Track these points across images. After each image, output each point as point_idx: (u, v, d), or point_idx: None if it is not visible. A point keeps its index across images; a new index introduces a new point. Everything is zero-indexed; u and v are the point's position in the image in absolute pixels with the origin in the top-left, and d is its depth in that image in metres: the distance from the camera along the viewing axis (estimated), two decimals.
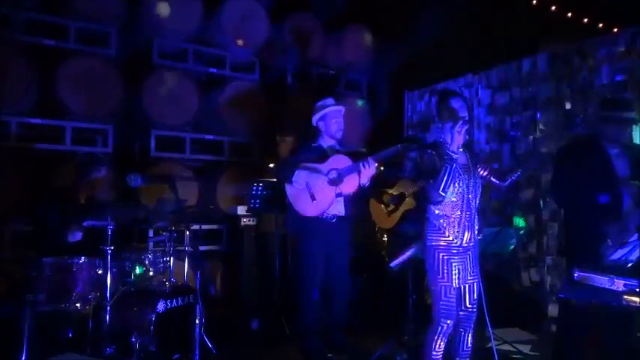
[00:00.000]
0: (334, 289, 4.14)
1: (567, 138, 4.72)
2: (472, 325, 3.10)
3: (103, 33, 5.28)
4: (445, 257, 2.98)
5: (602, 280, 2.86)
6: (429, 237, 3.04)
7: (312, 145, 4.18)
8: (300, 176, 3.94)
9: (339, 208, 4.08)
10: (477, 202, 3.07)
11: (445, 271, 2.97)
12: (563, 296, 3.14)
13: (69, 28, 5.10)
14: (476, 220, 3.05)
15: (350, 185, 4.03)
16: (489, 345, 4.31)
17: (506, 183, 3.17)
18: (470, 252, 3.04)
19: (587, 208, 3.38)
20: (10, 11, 4.82)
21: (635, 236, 2.97)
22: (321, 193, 3.97)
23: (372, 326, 4.85)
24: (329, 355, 4.07)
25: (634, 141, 3.55)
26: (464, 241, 3.00)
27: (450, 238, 2.98)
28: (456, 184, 2.97)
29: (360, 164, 3.91)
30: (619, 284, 2.77)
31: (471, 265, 3.04)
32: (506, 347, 4.22)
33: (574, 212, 3.52)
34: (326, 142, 4.18)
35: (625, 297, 2.70)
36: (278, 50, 6.33)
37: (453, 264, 2.97)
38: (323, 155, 4.09)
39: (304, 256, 4.05)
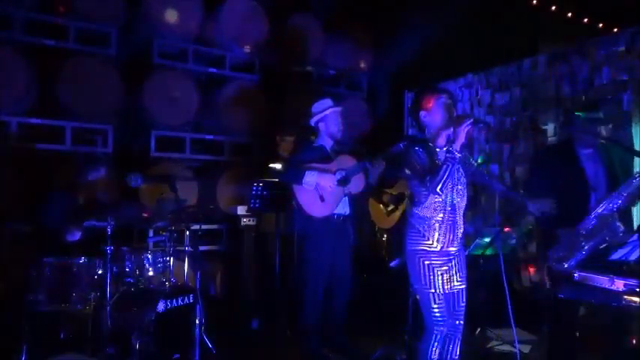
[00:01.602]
0: (337, 288, 4.15)
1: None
2: (459, 334, 2.96)
3: (103, 33, 5.27)
4: (427, 263, 2.86)
5: (602, 280, 2.86)
6: (409, 241, 2.92)
7: (314, 145, 4.19)
8: (311, 177, 3.95)
9: (345, 208, 4.11)
10: (464, 203, 2.95)
11: (430, 277, 2.84)
12: (563, 296, 3.13)
13: (69, 28, 5.10)
14: (461, 222, 2.94)
15: (357, 185, 4.06)
16: (489, 345, 4.33)
17: (501, 188, 3.13)
18: (454, 257, 2.92)
19: (558, 211, 3.38)
20: (10, 11, 4.82)
21: (635, 236, 2.97)
22: (329, 194, 3.99)
23: (372, 326, 4.84)
24: (329, 355, 4.07)
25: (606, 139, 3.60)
26: (445, 245, 2.87)
27: (429, 242, 2.86)
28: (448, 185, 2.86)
29: (367, 163, 3.95)
30: (619, 284, 2.77)
31: (457, 269, 2.92)
32: (506, 347, 4.22)
33: (543, 219, 3.54)
34: (326, 142, 4.19)
35: (625, 297, 2.71)
36: (278, 50, 6.32)
37: (436, 270, 2.85)
38: (327, 155, 4.11)
39: (312, 257, 4.05)
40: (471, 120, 2.81)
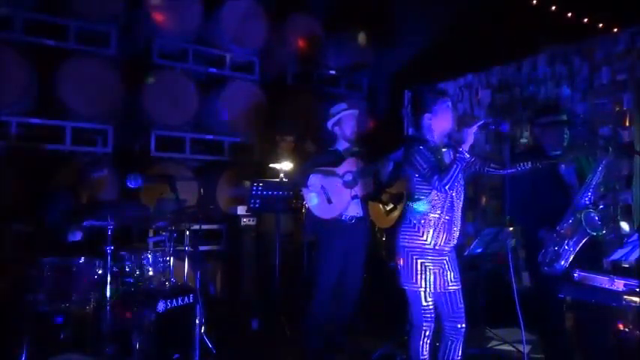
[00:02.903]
0: (346, 289, 4.15)
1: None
2: (460, 337, 2.95)
3: (103, 33, 5.28)
4: (419, 260, 2.86)
5: (602, 280, 2.87)
6: (403, 237, 2.93)
7: (330, 149, 4.24)
8: (314, 180, 3.99)
9: (357, 210, 4.13)
10: (461, 203, 2.96)
11: (420, 275, 2.85)
12: (564, 296, 3.14)
13: (69, 28, 5.10)
14: (458, 223, 2.94)
15: (365, 187, 4.09)
16: (489, 345, 4.33)
17: (510, 170, 3.04)
18: (447, 256, 2.93)
19: (540, 214, 3.41)
20: (10, 11, 4.82)
21: (635, 236, 2.98)
22: (337, 196, 4.02)
23: (372, 326, 4.85)
24: (329, 355, 4.07)
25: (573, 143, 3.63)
26: (438, 244, 2.88)
27: (423, 238, 2.87)
28: None
29: (374, 166, 3.99)
30: (619, 284, 2.78)
31: (450, 269, 2.93)
32: (506, 347, 4.22)
33: (528, 218, 3.55)
34: (342, 145, 4.23)
35: (625, 297, 2.71)
36: (278, 50, 6.32)
37: (428, 268, 2.85)
38: (339, 158, 4.14)
39: (323, 258, 4.06)
40: (481, 122, 2.84)
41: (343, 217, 4.05)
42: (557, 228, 3.30)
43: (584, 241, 3.25)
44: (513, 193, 3.36)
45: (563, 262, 3.27)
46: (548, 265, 3.32)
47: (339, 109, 4.21)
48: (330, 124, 4.22)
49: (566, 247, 3.27)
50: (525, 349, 4.18)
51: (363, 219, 4.18)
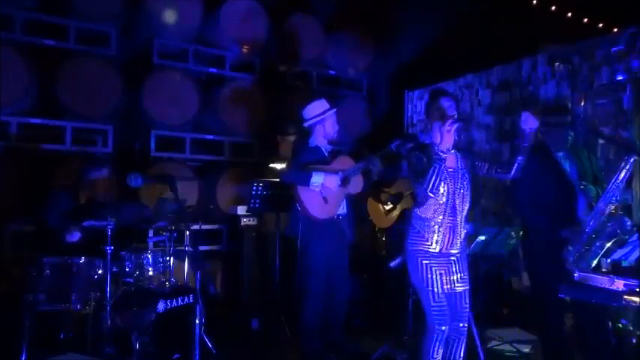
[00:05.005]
0: (337, 288, 4.14)
1: None
2: (463, 337, 2.96)
3: (103, 33, 5.28)
4: (425, 263, 2.88)
5: (602, 280, 2.86)
6: (410, 241, 2.95)
7: (310, 145, 4.17)
8: (318, 178, 3.94)
9: (342, 208, 4.11)
10: (466, 207, 2.96)
11: (428, 276, 2.87)
12: (564, 296, 3.13)
13: (69, 28, 5.11)
14: (462, 225, 2.94)
15: (356, 185, 4.07)
16: (489, 345, 4.33)
17: (512, 173, 3.01)
18: (454, 257, 2.93)
19: (544, 213, 3.40)
20: (10, 11, 4.82)
21: (635, 236, 2.97)
22: (333, 195, 4.00)
23: (372, 326, 4.85)
24: (329, 355, 4.07)
25: (574, 142, 3.61)
26: (444, 247, 2.89)
27: (429, 243, 2.89)
28: (444, 186, 2.87)
29: (364, 164, 3.96)
30: (619, 284, 2.77)
31: (457, 270, 2.93)
32: (506, 347, 4.22)
33: (532, 217, 3.53)
34: (321, 143, 4.17)
35: (625, 297, 2.71)
36: (278, 50, 6.32)
37: (434, 269, 2.87)
38: (324, 156, 4.11)
39: (314, 257, 4.03)
40: (451, 120, 2.82)
41: (334, 216, 4.04)
42: (585, 228, 3.18)
43: (612, 240, 3.20)
44: (519, 193, 3.34)
45: (594, 262, 3.19)
46: (575, 263, 3.25)
47: (324, 108, 4.15)
48: (312, 121, 4.14)
49: (595, 248, 3.21)
50: (525, 349, 4.20)
51: (346, 217, 4.15)
